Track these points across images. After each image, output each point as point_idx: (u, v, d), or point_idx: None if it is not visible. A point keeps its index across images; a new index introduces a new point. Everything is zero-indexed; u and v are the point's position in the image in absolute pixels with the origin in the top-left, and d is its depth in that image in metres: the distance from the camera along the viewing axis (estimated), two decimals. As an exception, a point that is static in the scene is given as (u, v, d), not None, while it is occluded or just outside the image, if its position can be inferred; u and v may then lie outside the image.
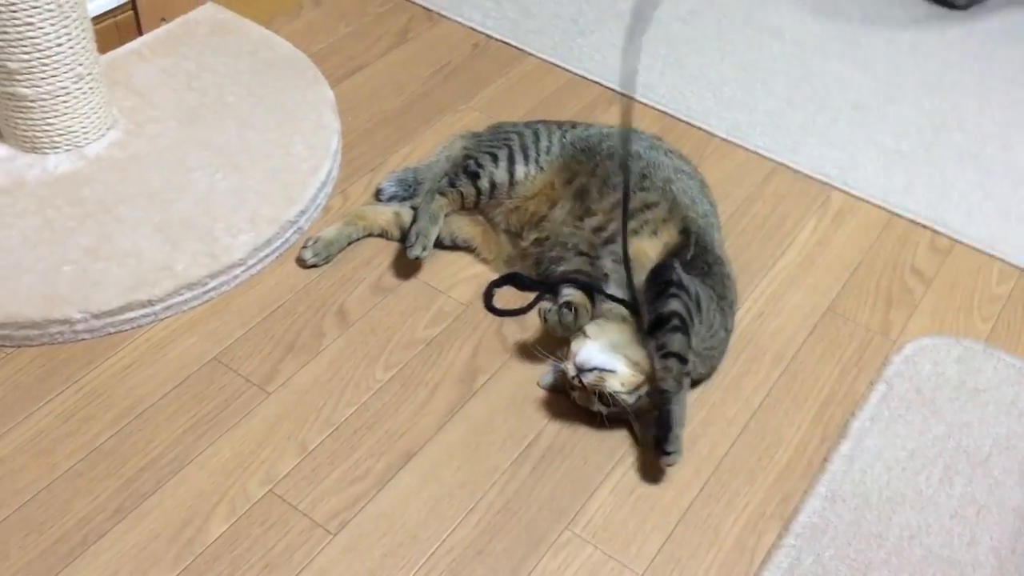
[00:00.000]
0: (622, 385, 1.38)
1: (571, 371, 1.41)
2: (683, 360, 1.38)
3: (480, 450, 1.43)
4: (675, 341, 1.37)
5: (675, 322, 1.38)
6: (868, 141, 2.00)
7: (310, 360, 1.52)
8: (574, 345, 1.43)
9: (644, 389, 1.40)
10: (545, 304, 1.47)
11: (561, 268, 1.58)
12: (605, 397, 1.39)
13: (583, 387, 1.40)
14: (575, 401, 1.45)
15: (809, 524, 1.36)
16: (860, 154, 1.97)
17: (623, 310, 1.47)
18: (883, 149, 1.98)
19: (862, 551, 1.34)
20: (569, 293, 1.51)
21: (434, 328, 1.59)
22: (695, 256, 1.51)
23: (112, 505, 1.32)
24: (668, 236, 1.54)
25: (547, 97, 2.06)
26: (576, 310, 1.46)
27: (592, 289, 1.51)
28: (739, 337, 1.59)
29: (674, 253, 1.50)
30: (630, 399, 1.39)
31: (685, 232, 1.53)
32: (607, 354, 1.40)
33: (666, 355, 1.37)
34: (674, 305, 1.39)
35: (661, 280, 1.43)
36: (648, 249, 1.52)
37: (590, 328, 1.45)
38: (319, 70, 1.99)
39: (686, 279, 1.44)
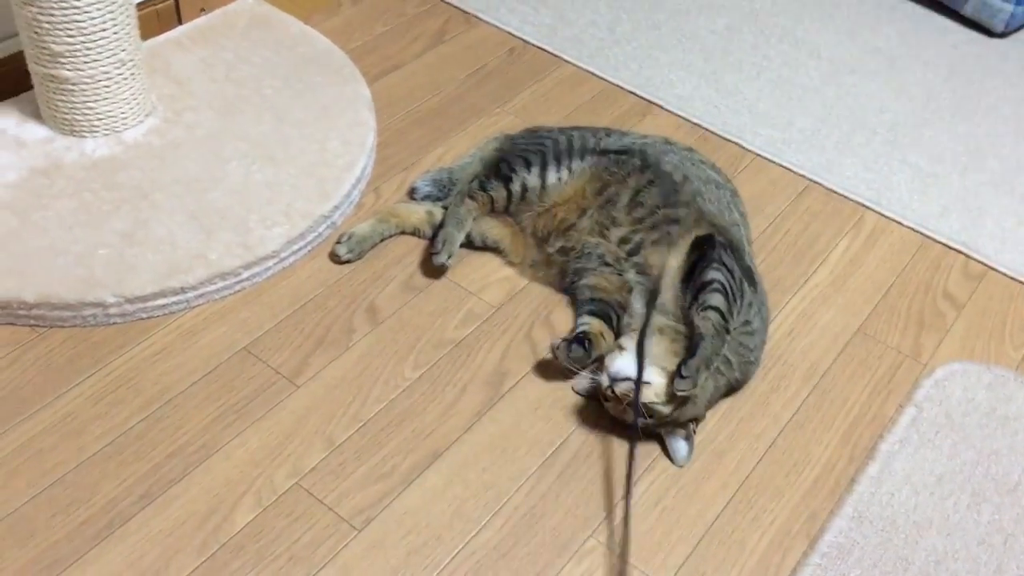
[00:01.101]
0: (656, 396, 1.38)
1: (605, 381, 1.40)
2: (722, 315, 1.39)
3: (507, 453, 1.42)
4: (715, 298, 1.40)
5: (716, 285, 1.41)
6: (902, 163, 2.00)
7: (340, 355, 1.52)
8: (608, 356, 1.43)
9: (679, 400, 1.39)
10: (555, 340, 1.47)
11: (584, 280, 1.58)
12: (640, 408, 1.38)
13: (616, 397, 1.39)
14: (609, 412, 1.44)
15: (836, 544, 1.35)
16: (894, 176, 1.96)
17: (658, 321, 1.47)
18: (918, 172, 1.98)
19: (888, 573, 1.33)
20: (586, 323, 1.51)
21: (464, 329, 1.59)
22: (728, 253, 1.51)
23: (139, 490, 1.32)
24: (688, 243, 1.53)
25: (581, 105, 2.06)
26: (591, 341, 1.46)
27: (611, 315, 1.52)
28: (769, 354, 1.58)
29: (710, 240, 1.51)
30: (665, 410, 1.38)
31: (708, 237, 1.53)
32: (649, 367, 1.39)
33: (706, 308, 1.40)
34: (715, 274, 1.43)
35: (704, 250, 1.47)
36: (670, 259, 1.52)
37: (625, 340, 1.44)
38: (356, 67, 2.00)
39: (727, 255, 1.46)
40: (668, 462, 1.43)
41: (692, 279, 1.46)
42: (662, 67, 2.17)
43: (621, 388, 1.38)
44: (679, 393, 1.37)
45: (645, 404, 1.37)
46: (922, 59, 2.28)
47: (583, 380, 1.49)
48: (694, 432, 1.44)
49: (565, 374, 1.52)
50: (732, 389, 1.50)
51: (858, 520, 1.38)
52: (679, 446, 1.42)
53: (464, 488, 1.37)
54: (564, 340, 1.47)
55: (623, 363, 1.40)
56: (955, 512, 1.40)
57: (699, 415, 1.45)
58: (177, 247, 1.57)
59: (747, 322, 1.48)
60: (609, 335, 1.50)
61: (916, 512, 1.40)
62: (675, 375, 1.37)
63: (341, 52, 2.03)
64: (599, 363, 1.46)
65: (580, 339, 1.46)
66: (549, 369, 1.53)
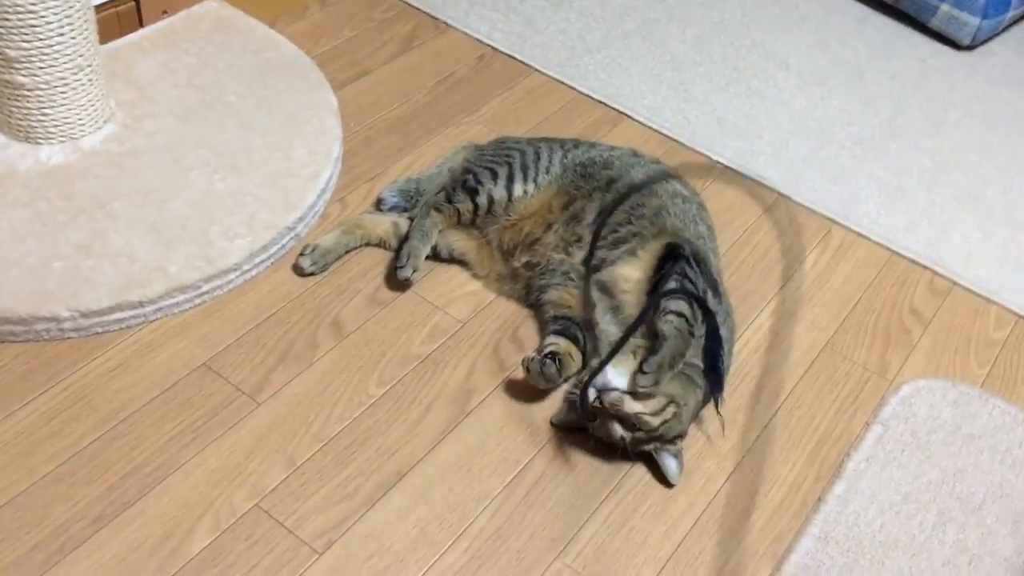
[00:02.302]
0: (644, 407, 1.36)
1: (591, 394, 1.38)
2: (685, 319, 1.39)
3: (472, 473, 1.40)
4: (676, 304, 1.40)
5: (677, 293, 1.42)
6: (870, 177, 2.00)
7: (302, 371, 1.49)
8: (594, 372, 1.41)
9: (669, 412, 1.37)
10: (529, 354, 1.45)
11: (548, 296, 1.56)
12: (626, 420, 1.36)
13: (603, 410, 1.37)
14: (594, 434, 1.41)
15: (802, 565, 1.35)
16: (861, 190, 1.97)
17: (634, 342, 1.46)
18: (885, 186, 1.98)
19: (854, 595, 1.32)
20: (553, 342, 1.49)
21: (430, 344, 1.56)
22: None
23: (93, 512, 1.28)
24: (652, 254, 1.52)
25: (551, 115, 2.04)
26: (560, 361, 1.44)
27: (577, 336, 1.50)
28: (737, 371, 1.58)
29: (672, 252, 1.50)
30: (654, 421, 1.37)
31: (672, 246, 1.52)
32: (628, 376, 1.38)
33: (667, 313, 1.40)
34: (677, 284, 1.43)
35: (668, 263, 1.47)
36: (630, 272, 1.51)
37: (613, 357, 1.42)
38: (322, 73, 1.96)
39: (691, 267, 1.46)
40: (635, 482, 1.42)
41: (655, 291, 1.45)
42: (632, 77, 2.16)
43: (609, 399, 1.36)
44: (640, 389, 1.36)
45: (632, 414, 1.35)
46: (890, 72, 2.29)
47: (561, 412, 1.46)
48: (680, 451, 1.42)
49: (533, 391, 1.50)
50: (706, 402, 1.49)
51: (824, 541, 1.38)
52: (670, 463, 1.41)
53: (428, 509, 1.35)
54: (535, 354, 1.45)
55: (611, 375, 1.38)
56: (920, 532, 1.41)
57: (684, 432, 1.43)
58: (135, 259, 1.53)
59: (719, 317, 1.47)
60: (577, 355, 1.49)
61: (882, 532, 1.40)
62: (637, 371, 1.36)
63: (307, 57, 2.00)
64: (571, 380, 1.44)
65: (552, 356, 1.45)
66: (516, 386, 1.52)
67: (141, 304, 1.50)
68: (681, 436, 1.43)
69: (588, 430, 1.42)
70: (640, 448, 1.40)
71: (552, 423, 1.46)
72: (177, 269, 1.53)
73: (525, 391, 1.50)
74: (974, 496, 1.46)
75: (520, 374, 1.52)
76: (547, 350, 1.48)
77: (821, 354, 1.64)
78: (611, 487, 1.41)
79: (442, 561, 1.30)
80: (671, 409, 1.38)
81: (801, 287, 1.75)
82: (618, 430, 1.37)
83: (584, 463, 1.43)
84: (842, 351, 1.65)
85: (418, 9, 2.26)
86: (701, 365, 1.44)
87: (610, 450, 1.42)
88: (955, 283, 1.80)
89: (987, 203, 1.98)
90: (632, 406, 1.36)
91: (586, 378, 1.40)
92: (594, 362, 1.44)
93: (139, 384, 1.44)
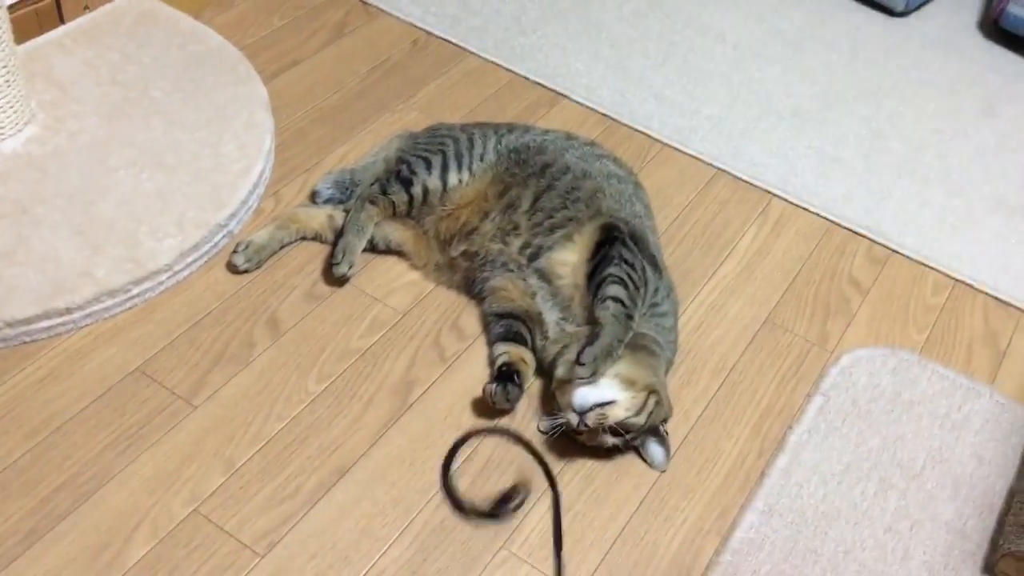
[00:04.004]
0: (626, 411, 1.36)
1: (574, 420, 1.36)
2: (623, 303, 1.39)
3: (416, 466, 1.39)
4: (613, 289, 1.40)
5: (612, 278, 1.42)
6: (807, 148, 2.01)
7: (239, 371, 1.47)
8: (562, 398, 1.40)
9: (652, 403, 1.37)
10: (489, 386, 1.42)
11: (489, 285, 1.55)
12: (615, 429, 1.36)
13: (591, 430, 1.36)
14: (585, 444, 1.40)
15: (746, 540, 1.35)
16: (800, 161, 1.97)
17: (570, 330, 1.45)
18: (822, 156, 1.99)
19: (798, 567, 1.33)
20: (503, 351, 1.48)
21: (369, 338, 1.54)
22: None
23: (25, 527, 1.25)
24: (588, 237, 1.51)
25: (488, 98, 2.02)
26: (518, 374, 1.44)
27: (522, 333, 1.49)
28: (679, 348, 1.57)
29: (608, 235, 1.50)
30: (640, 419, 1.36)
31: (607, 228, 1.51)
32: (599, 387, 1.37)
33: (605, 300, 1.40)
34: (612, 269, 1.43)
35: (604, 247, 1.46)
36: (567, 257, 1.50)
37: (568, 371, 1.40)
38: (251, 65, 1.92)
39: (627, 248, 1.45)
40: (579, 467, 1.42)
41: (592, 277, 1.45)
42: (568, 56, 2.14)
43: (592, 419, 1.35)
44: (578, 380, 1.36)
45: (619, 422, 1.35)
46: (825, 41, 2.29)
47: (546, 419, 1.44)
48: (666, 433, 1.42)
49: (474, 380, 1.49)
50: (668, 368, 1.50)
51: (768, 514, 1.38)
52: (655, 451, 1.41)
53: (372, 505, 1.34)
54: (496, 383, 1.42)
55: (583, 393, 1.37)
56: (862, 500, 1.42)
57: (668, 414, 1.43)
58: (61, 265, 1.50)
59: (655, 304, 1.48)
60: (529, 356, 1.48)
61: (824, 502, 1.41)
62: (575, 363, 1.36)
63: (235, 49, 1.95)
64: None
65: (510, 376, 1.43)
66: (458, 375, 1.50)
67: (69, 311, 1.46)
68: (666, 419, 1.43)
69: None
70: (634, 444, 1.40)
71: (540, 430, 1.45)
72: (105, 273, 1.49)
73: (468, 381, 1.49)
74: (914, 462, 1.47)
75: (459, 364, 1.51)
76: (499, 363, 1.46)
77: (762, 328, 1.65)
78: (555, 473, 1.40)
79: (386, 556, 1.29)
80: (652, 399, 1.38)
81: (741, 261, 1.75)
82: (609, 439, 1.37)
83: (526, 452, 1.42)
84: (783, 324, 1.66)
85: (349, -5, 2.22)
86: (654, 334, 1.45)
87: (556, 437, 1.42)
88: (893, 251, 1.81)
89: (923, 169, 1.99)
90: (615, 414, 1.35)
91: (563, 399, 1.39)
92: (560, 370, 1.43)
93: (70, 393, 1.40)
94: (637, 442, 1.41)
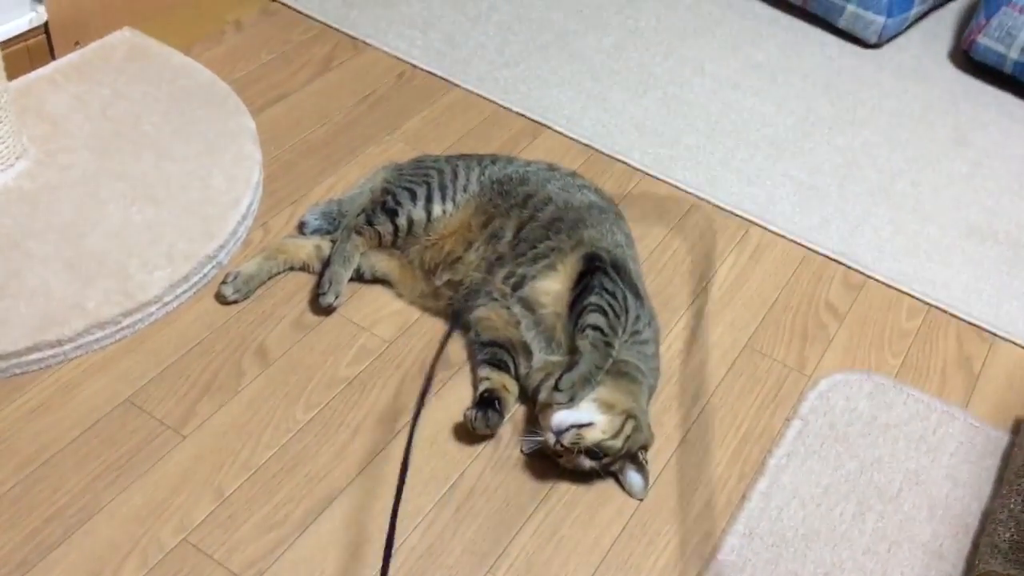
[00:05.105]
0: (604, 432, 1.38)
1: (551, 440, 1.39)
2: (602, 332, 1.42)
3: (402, 494, 1.41)
4: (592, 318, 1.44)
5: (592, 307, 1.45)
6: (784, 177, 2.05)
7: (228, 401, 1.49)
8: (544, 420, 1.43)
9: (629, 427, 1.40)
10: (470, 412, 1.46)
11: (474, 315, 1.58)
12: (592, 451, 1.38)
13: (568, 450, 1.39)
14: (566, 467, 1.43)
15: (728, 563, 1.38)
16: (777, 190, 2.02)
17: (553, 359, 1.48)
18: (799, 185, 2.04)
19: (778, 589, 1.36)
20: (486, 376, 1.51)
21: (356, 366, 1.57)
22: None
23: (15, 559, 1.27)
24: (571, 267, 1.55)
25: (472, 129, 2.06)
26: (500, 401, 1.47)
27: (506, 361, 1.52)
28: (661, 375, 1.61)
29: (590, 265, 1.53)
30: (617, 443, 1.39)
31: (589, 258, 1.55)
32: (578, 409, 1.40)
33: (584, 329, 1.43)
34: (593, 298, 1.46)
35: (585, 276, 1.50)
36: (550, 286, 1.53)
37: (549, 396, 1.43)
38: (240, 99, 1.96)
39: (608, 277, 1.49)
40: (563, 492, 1.44)
41: (574, 306, 1.48)
42: (551, 88, 2.19)
43: (568, 439, 1.38)
44: (556, 405, 1.40)
45: (596, 444, 1.38)
46: (801, 72, 2.35)
47: (528, 441, 1.46)
48: (645, 461, 1.44)
49: (460, 407, 1.51)
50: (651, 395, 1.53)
51: (749, 537, 1.41)
52: (634, 479, 1.43)
53: (360, 532, 1.36)
54: (477, 409, 1.45)
55: (561, 414, 1.39)
56: (841, 522, 1.45)
57: (648, 441, 1.46)
58: (52, 298, 1.52)
59: (637, 332, 1.51)
60: (511, 383, 1.51)
61: (804, 525, 1.44)
62: (553, 388, 1.39)
63: (224, 83, 1.99)
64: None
65: (491, 402, 1.46)
66: (444, 404, 1.53)
67: (59, 343, 1.48)
68: (646, 447, 1.45)
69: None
70: (612, 469, 1.43)
71: (523, 452, 1.47)
72: (95, 305, 1.52)
73: (453, 407, 1.52)
74: (891, 484, 1.51)
75: (445, 393, 1.54)
76: (482, 389, 1.49)
77: (742, 353, 1.68)
78: (540, 498, 1.43)
79: (374, 583, 1.31)
80: (630, 424, 1.41)
81: (721, 289, 1.79)
82: (586, 462, 1.39)
83: (513, 476, 1.45)
84: (762, 349, 1.69)
85: (336, 29, 2.26)
86: (636, 361, 1.48)
87: (540, 462, 1.45)
88: (868, 277, 1.86)
89: (897, 196, 2.04)
90: (592, 436, 1.38)
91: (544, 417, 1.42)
92: (543, 395, 1.46)
93: (60, 424, 1.42)
94: (616, 467, 1.43)
